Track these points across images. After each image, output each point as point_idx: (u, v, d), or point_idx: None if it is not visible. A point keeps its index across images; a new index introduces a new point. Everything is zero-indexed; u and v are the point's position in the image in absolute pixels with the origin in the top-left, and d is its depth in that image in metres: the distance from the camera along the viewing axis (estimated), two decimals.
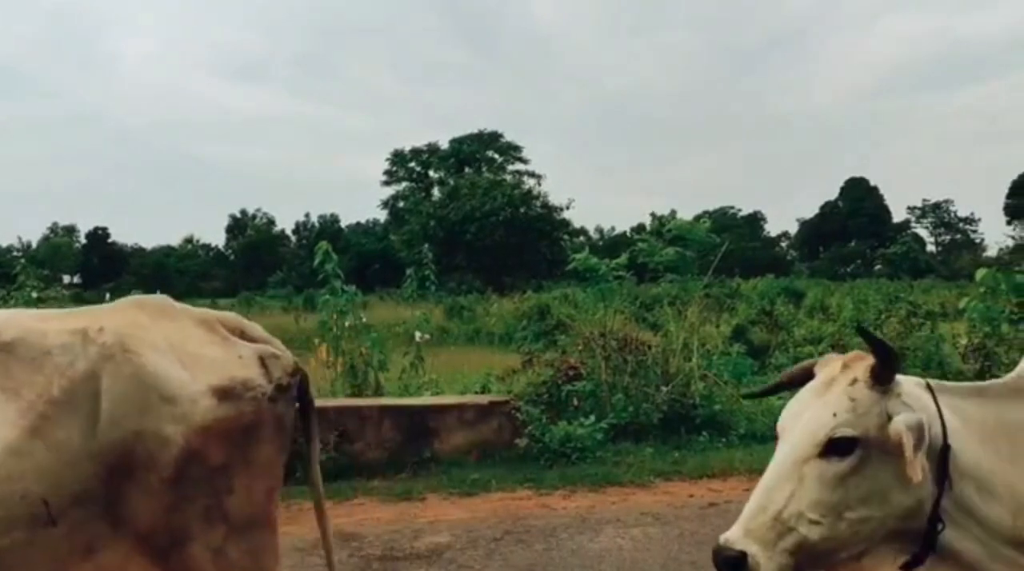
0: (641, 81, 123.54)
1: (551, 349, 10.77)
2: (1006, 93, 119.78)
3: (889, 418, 1.96)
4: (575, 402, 8.30)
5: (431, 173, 67.44)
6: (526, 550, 5.42)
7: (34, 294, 10.28)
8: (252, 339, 2.45)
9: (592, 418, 7.94)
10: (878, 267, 61.55)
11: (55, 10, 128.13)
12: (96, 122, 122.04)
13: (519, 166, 65.02)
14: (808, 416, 2.03)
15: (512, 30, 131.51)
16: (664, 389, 8.51)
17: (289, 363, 2.42)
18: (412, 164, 68.31)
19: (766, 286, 28.53)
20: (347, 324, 9.23)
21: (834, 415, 1.99)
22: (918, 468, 1.86)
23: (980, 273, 8.05)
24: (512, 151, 65.22)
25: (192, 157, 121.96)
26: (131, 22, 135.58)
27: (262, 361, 2.36)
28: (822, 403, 2.04)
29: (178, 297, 2.56)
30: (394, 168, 68.55)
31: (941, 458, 1.99)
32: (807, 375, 2.19)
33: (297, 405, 2.51)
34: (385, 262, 59.18)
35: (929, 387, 2.10)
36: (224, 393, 2.24)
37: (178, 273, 68.60)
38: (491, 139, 65.53)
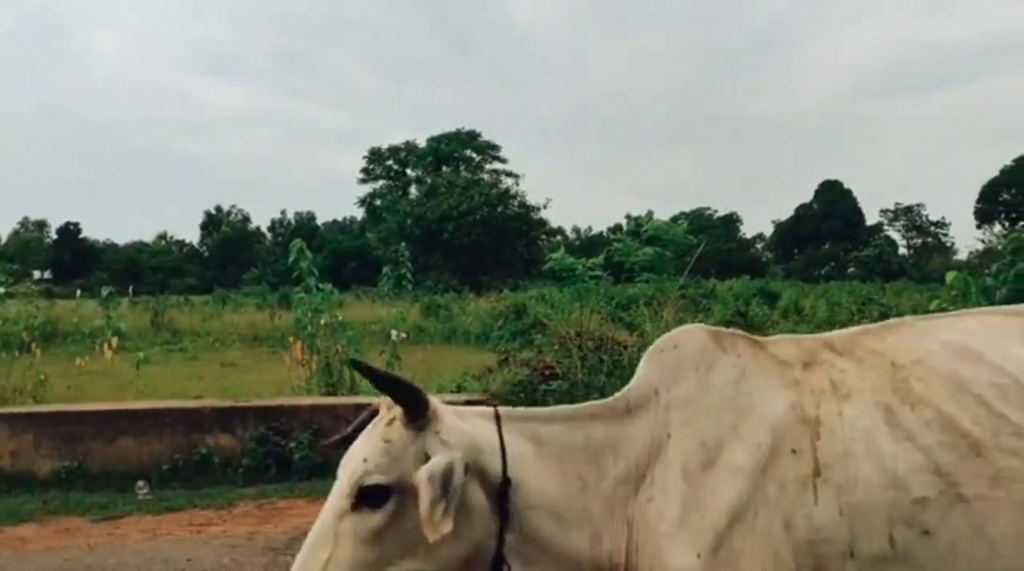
0: (619, 82, 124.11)
1: (527, 348, 10.78)
2: (977, 98, 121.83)
3: (428, 458, 1.78)
4: (551, 402, 8.31)
5: (408, 171, 67.20)
6: None
7: (2, 290, 10.13)
8: None
9: None
10: (851, 269, 62.15)
11: (29, 3, 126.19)
12: (69, 116, 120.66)
13: (497, 165, 65.03)
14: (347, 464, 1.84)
15: (491, 29, 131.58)
16: None
17: None
18: (389, 162, 68.02)
19: (741, 287, 28.69)
20: (322, 322, 9.18)
21: (364, 460, 1.79)
22: (437, 527, 1.69)
23: (951, 276, 8.11)
24: (490, 150, 65.16)
25: (166, 152, 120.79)
26: (105, 16, 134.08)
27: None
28: (358, 448, 1.84)
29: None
30: (371, 166, 68.22)
31: (502, 493, 1.84)
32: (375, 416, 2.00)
33: None
34: (361, 260, 58.83)
35: (497, 416, 1.95)
36: None
37: (151, 270, 67.78)
38: (469, 138, 65.39)
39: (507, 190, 56.68)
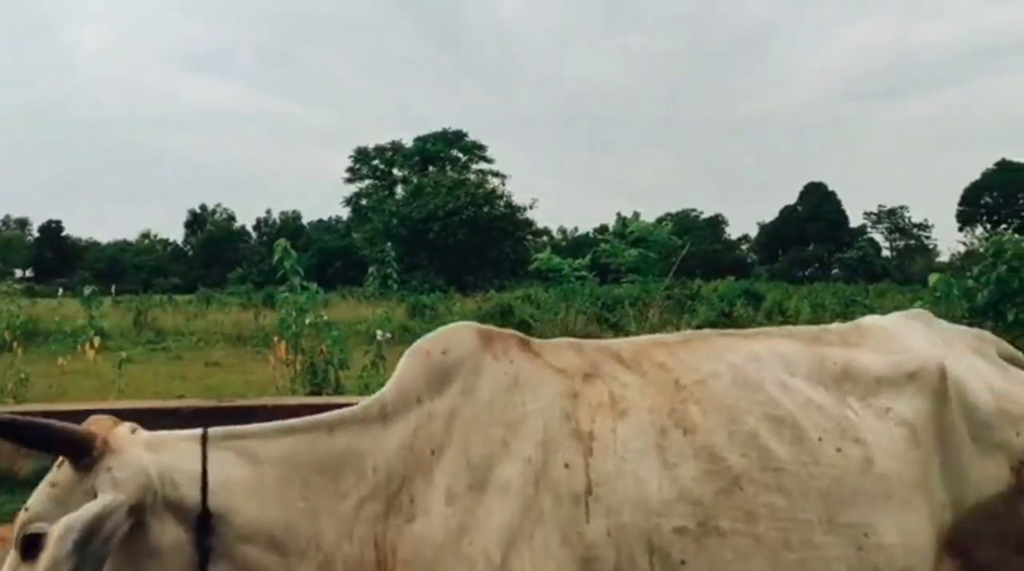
0: (606, 82, 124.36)
1: None
2: (960, 102, 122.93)
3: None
4: None
5: (395, 171, 67.10)
6: None
7: None
8: None
9: None
10: (835, 271, 62.65)
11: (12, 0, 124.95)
12: (52, 114, 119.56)
13: (483, 165, 65.04)
14: None
15: (478, 29, 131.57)
16: None
17: None
18: (376, 162, 67.90)
19: (726, 288, 28.78)
20: (307, 322, 9.14)
21: (26, 509, 1.65)
22: None
23: (933, 278, 8.21)
24: (476, 150, 65.15)
25: (150, 150, 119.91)
26: (88, 12, 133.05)
27: None
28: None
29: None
30: (357, 165, 68.08)
31: (201, 528, 1.67)
32: None
33: None
34: (347, 260, 58.64)
35: (204, 437, 1.76)
36: None
37: (134, 268, 67.33)
38: (455, 138, 65.37)
39: (493, 190, 56.76)
